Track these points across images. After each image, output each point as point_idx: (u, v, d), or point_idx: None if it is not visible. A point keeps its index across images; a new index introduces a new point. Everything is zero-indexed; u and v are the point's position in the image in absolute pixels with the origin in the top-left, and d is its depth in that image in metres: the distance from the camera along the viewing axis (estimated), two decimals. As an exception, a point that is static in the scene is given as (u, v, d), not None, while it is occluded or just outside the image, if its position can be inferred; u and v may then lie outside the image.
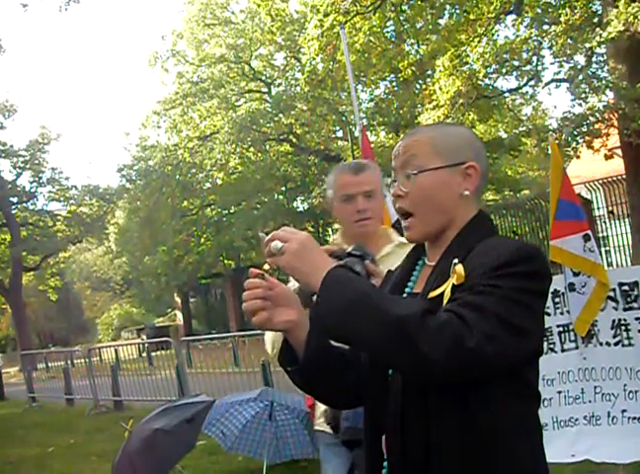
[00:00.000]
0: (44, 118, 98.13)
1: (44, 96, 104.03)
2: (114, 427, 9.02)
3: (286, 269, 1.41)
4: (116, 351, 17.17)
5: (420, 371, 1.31)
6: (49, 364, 17.94)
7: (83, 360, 14.38)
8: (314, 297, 2.09)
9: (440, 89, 14.16)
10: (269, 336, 2.71)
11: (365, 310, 1.31)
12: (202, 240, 26.98)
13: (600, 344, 5.20)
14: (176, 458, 5.29)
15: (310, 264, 1.39)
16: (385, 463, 1.50)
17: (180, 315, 33.29)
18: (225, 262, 27.65)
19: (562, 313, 5.29)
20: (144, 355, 18.35)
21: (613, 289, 5.11)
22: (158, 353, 16.98)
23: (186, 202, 26.03)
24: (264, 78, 25.46)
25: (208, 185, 26.68)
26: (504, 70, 15.46)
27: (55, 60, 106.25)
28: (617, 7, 11.04)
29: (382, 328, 1.29)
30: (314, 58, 16.50)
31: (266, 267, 1.51)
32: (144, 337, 31.77)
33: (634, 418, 5.03)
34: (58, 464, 8.04)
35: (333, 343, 1.56)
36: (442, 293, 1.42)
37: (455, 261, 1.44)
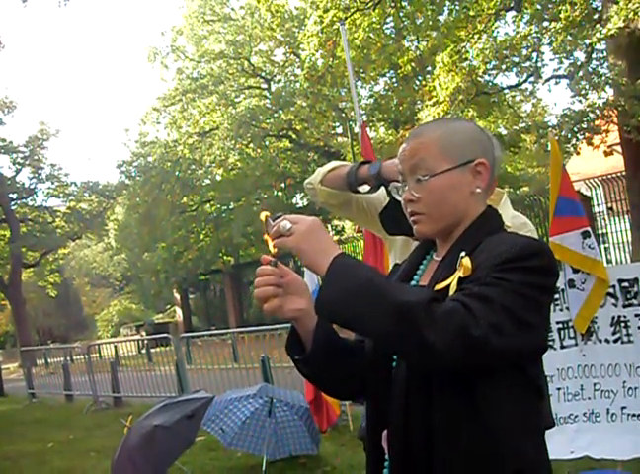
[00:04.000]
0: (44, 114, 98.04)
1: (44, 92, 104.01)
2: (113, 423, 9.03)
3: (294, 250, 1.40)
4: (115, 347, 17.20)
5: (424, 359, 1.31)
6: (49, 361, 17.96)
7: (82, 357, 14.37)
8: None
9: (440, 85, 14.16)
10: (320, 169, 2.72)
11: (371, 296, 1.31)
12: (202, 236, 26.97)
13: (600, 340, 5.20)
14: (175, 454, 5.30)
15: (318, 246, 1.39)
16: (387, 458, 1.50)
17: (179, 311, 33.30)
18: (225, 258, 27.65)
19: (561, 310, 5.29)
20: (144, 351, 18.36)
21: (613, 286, 5.12)
22: (157, 349, 16.99)
23: (185, 199, 26.01)
24: (263, 74, 25.43)
25: (208, 181, 26.66)
26: (503, 66, 15.47)
27: (55, 56, 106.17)
28: (617, 3, 11.04)
29: (388, 314, 1.29)
30: (314, 54, 16.50)
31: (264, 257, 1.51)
32: (144, 333, 31.80)
33: (634, 415, 5.04)
34: (58, 460, 8.05)
35: (340, 333, 1.57)
36: (449, 286, 1.42)
37: (462, 254, 1.44)
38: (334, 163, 2.67)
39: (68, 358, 15.84)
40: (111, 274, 41.05)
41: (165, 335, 13.18)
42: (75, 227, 32.68)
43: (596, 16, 13.68)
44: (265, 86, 25.65)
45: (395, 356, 1.51)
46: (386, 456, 1.50)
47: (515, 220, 2.69)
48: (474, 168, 1.55)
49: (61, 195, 32.69)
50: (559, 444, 4.96)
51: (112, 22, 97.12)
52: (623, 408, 5.10)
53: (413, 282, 1.61)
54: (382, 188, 2.42)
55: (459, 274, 1.42)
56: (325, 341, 1.54)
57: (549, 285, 1.44)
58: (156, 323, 34.62)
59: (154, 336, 18.78)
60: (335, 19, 14.24)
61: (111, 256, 36.20)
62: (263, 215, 1.50)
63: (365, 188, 2.49)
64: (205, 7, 25.00)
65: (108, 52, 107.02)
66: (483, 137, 1.61)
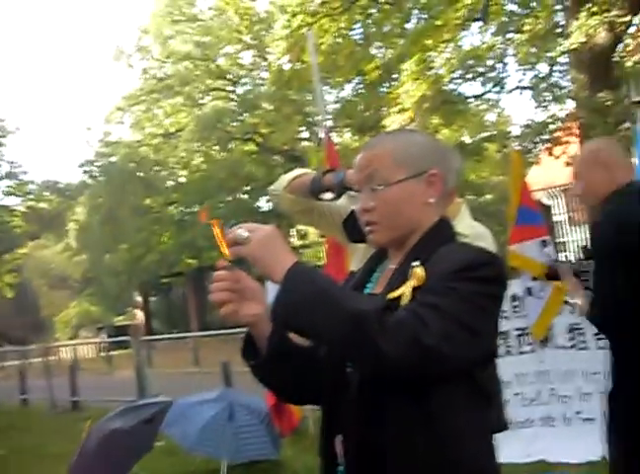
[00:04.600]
0: (3, 110, 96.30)
1: (3, 88, 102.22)
2: (71, 427, 8.89)
3: (250, 258, 1.42)
4: (74, 350, 16.98)
5: (377, 367, 1.33)
6: (4, 363, 17.65)
7: (40, 359, 14.16)
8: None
9: (406, 93, 14.27)
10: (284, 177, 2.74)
11: (326, 304, 1.33)
12: (164, 238, 26.73)
13: (557, 347, 5.32)
14: (134, 459, 5.24)
15: (274, 255, 1.40)
16: (340, 463, 1.51)
17: (140, 314, 32.98)
18: (187, 261, 27.48)
19: (520, 317, 5.38)
20: (103, 354, 18.17)
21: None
22: (117, 352, 16.81)
23: (148, 200, 25.77)
24: (230, 77, 25.36)
25: (172, 183, 26.47)
26: (469, 76, 15.66)
27: (16, 51, 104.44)
28: (579, 19, 11.25)
29: (342, 323, 1.31)
30: (281, 58, 16.52)
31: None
32: (103, 336, 31.45)
33: (588, 419, 5.15)
34: (13, 466, 7.90)
35: (296, 339, 1.58)
36: (401, 295, 1.45)
37: (415, 263, 1.47)
38: (298, 171, 2.70)
39: (25, 361, 15.58)
40: (70, 275, 40.49)
41: (125, 338, 13.05)
42: (34, 227, 32.20)
43: (559, 30, 13.94)
44: (231, 88, 25.57)
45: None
46: (339, 461, 1.52)
47: (473, 230, 2.74)
48: (428, 179, 1.58)
49: (20, 193, 32.18)
50: (516, 449, 5.05)
51: (77, 18, 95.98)
52: (578, 412, 5.22)
53: (366, 291, 1.63)
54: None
55: (412, 283, 1.44)
56: (280, 346, 1.55)
57: (499, 294, 1.48)
58: (116, 326, 34.24)
59: (114, 339, 18.60)
60: (303, 23, 14.27)
61: (70, 257, 35.69)
62: (213, 222, 1.51)
63: (329, 196, 2.52)
64: (173, 7, 24.84)
65: (72, 49, 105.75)
66: (437, 149, 1.65)
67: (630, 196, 2.83)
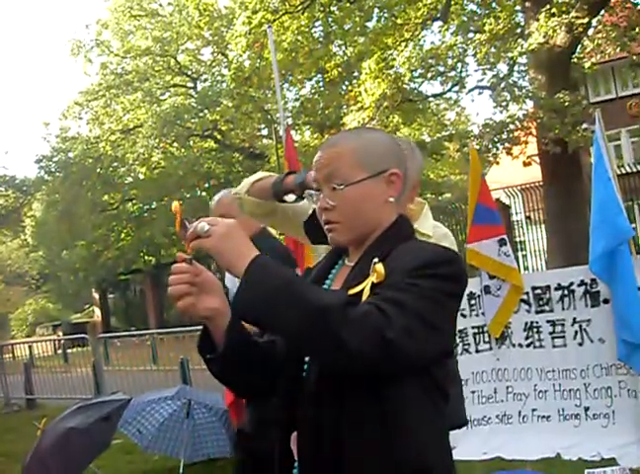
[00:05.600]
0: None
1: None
2: (25, 426, 8.73)
3: (211, 251, 1.41)
4: (29, 347, 16.65)
5: (338, 360, 1.33)
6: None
7: (-6, 357, 13.89)
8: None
9: (366, 91, 14.32)
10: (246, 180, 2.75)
11: (289, 297, 1.32)
12: (123, 235, 26.47)
13: (513, 345, 5.39)
14: (90, 458, 5.18)
15: (236, 248, 1.40)
16: (296, 460, 1.51)
17: (98, 311, 32.60)
18: (145, 258, 27.22)
19: (477, 315, 5.44)
20: (60, 351, 17.86)
21: (527, 293, 5.31)
22: (74, 349, 16.56)
23: (106, 197, 25.46)
24: (190, 73, 25.18)
25: (130, 179, 26.20)
26: (429, 75, 15.77)
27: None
28: (538, 20, 11.40)
29: (304, 315, 1.31)
30: (241, 55, 16.45)
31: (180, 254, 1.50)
32: (60, 333, 30.98)
33: (543, 416, 5.23)
34: (-36, 466, 7.74)
35: (253, 334, 1.58)
36: (362, 291, 1.45)
37: (375, 260, 1.47)
38: (260, 174, 2.71)
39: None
40: (27, 271, 39.85)
41: (82, 335, 12.88)
42: (-11, 222, 31.59)
43: (518, 30, 14.12)
44: (191, 85, 25.39)
45: (307, 359, 1.52)
46: (295, 458, 1.51)
47: (436, 230, 2.77)
48: (388, 178, 1.59)
49: (-25, 188, 31.52)
50: (473, 445, 5.10)
51: (33, 11, 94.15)
52: (534, 410, 5.29)
53: (325, 287, 1.63)
54: None
55: (372, 279, 1.45)
56: (237, 341, 1.53)
57: (458, 292, 1.49)
58: (73, 323, 33.79)
59: (71, 336, 18.32)
60: (263, 20, 14.22)
61: (27, 253, 35.12)
62: (174, 205, 1.49)
63: (291, 197, 2.53)
64: (132, 1, 24.56)
65: (28, 41, 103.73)
66: (396, 148, 1.65)
67: None
